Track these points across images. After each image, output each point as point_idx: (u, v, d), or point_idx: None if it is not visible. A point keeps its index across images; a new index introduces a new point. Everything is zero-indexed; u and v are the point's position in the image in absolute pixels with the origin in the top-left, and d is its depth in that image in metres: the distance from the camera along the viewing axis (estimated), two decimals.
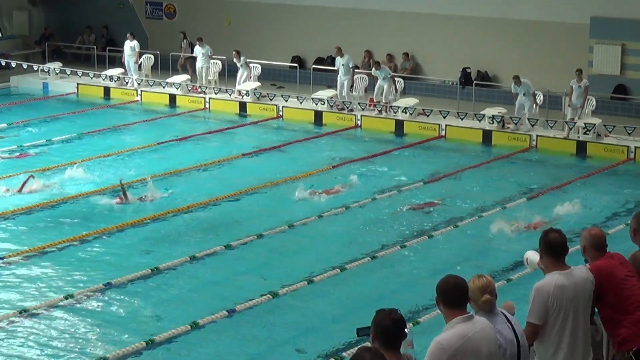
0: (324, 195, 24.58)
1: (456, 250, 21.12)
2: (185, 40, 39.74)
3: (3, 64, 38.37)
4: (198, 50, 37.55)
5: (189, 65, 38.93)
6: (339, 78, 34.39)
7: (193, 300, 18.41)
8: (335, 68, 35.13)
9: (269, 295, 17.94)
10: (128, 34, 38.48)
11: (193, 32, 40.60)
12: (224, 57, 37.35)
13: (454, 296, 8.58)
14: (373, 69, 34.14)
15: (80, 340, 16.58)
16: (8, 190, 24.51)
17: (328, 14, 38.68)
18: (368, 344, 8.20)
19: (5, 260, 19.90)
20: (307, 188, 24.81)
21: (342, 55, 34.33)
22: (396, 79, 34.36)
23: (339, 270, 19.31)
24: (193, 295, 18.74)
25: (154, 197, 24.34)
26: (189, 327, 16.59)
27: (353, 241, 21.56)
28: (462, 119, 31.79)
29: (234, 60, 36.72)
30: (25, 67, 37.61)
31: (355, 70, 34.79)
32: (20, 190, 24.30)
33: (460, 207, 24.17)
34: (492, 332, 8.70)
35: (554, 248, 9.61)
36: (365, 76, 35.17)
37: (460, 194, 25.55)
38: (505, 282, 17.94)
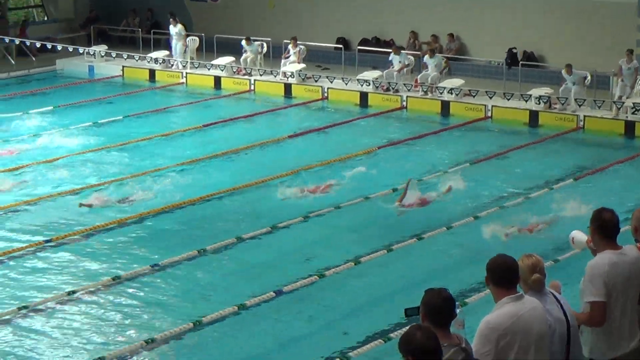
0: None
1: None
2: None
3: (49, 47, 38.56)
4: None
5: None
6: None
7: (239, 282, 18.46)
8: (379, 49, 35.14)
9: (315, 277, 18.01)
10: (171, 19, 38.68)
11: (236, 14, 40.78)
12: (269, 39, 37.41)
13: (503, 275, 8.56)
14: (426, 56, 34.21)
15: (128, 321, 16.69)
16: None
17: None
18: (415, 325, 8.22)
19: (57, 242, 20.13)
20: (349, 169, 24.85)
21: (399, 54, 34.50)
22: (441, 60, 34.33)
23: (385, 251, 19.34)
24: (239, 277, 18.82)
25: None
26: (236, 308, 16.67)
27: (398, 222, 21.53)
28: (508, 100, 31.67)
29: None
30: (70, 50, 37.80)
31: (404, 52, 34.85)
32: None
33: (505, 189, 24.07)
34: (542, 312, 8.68)
35: (607, 227, 9.57)
36: (411, 57, 35.04)
37: (506, 175, 25.49)
38: (552, 262, 17.85)
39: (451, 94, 32.72)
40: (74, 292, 17.56)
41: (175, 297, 17.73)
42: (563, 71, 31.17)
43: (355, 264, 18.65)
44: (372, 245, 19.67)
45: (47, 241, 20.09)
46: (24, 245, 19.87)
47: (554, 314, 8.91)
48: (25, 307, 16.85)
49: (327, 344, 15.58)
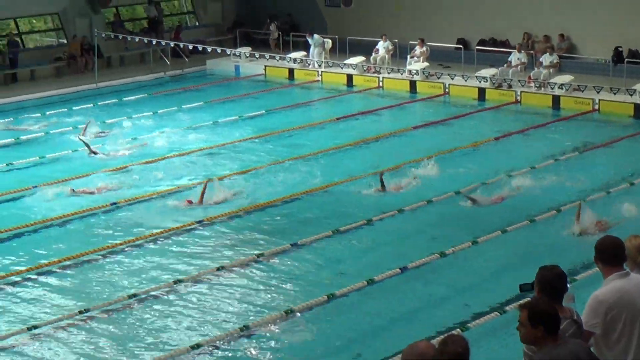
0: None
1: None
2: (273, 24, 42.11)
3: (200, 49, 39.01)
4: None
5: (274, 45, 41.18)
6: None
7: (369, 259, 18.54)
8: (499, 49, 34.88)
9: (436, 254, 18.00)
10: (307, 34, 39.04)
11: (366, 18, 40.80)
12: (396, 40, 37.41)
13: (611, 254, 8.48)
14: (546, 54, 34.00)
15: (269, 293, 16.91)
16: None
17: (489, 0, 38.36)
18: (528, 299, 8.19)
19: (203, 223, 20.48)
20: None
21: (520, 52, 34.61)
22: (553, 57, 33.98)
23: (500, 232, 19.23)
24: (369, 254, 18.89)
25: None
26: (365, 282, 16.76)
27: (517, 205, 21.33)
28: (614, 94, 31.14)
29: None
30: (219, 52, 38.19)
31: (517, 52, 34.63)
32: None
33: (611, 176, 23.70)
34: None
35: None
36: (524, 55, 34.75)
37: (613, 164, 25.14)
38: None
39: (561, 89, 32.32)
40: (222, 267, 17.87)
41: (310, 272, 17.89)
42: None
43: (472, 244, 18.60)
44: (488, 226, 19.61)
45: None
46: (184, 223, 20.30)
47: None
48: (179, 281, 17.26)
49: (449, 316, 15.59)
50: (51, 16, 42.13)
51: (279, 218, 21.07)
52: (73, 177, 23.98)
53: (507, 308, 15.12)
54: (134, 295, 16.63)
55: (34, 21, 43.42)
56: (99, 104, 33.66)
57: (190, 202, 21.67)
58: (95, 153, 26.01)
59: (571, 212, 20.02)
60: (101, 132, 28.92)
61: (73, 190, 22.72)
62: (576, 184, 22.74)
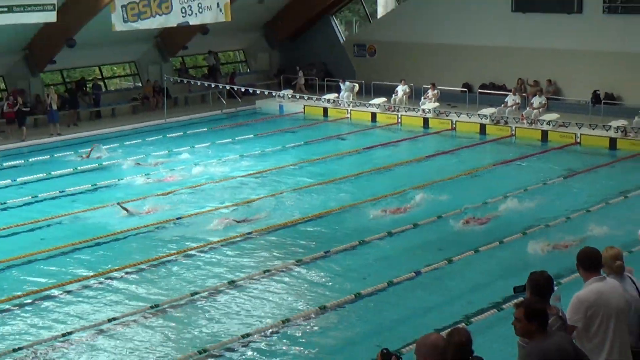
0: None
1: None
2: (300, 71, 42.72)
3: (251, 91, 39.16)
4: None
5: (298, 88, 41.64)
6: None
7: (388, 264, 18.52)
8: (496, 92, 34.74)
9: (445, 261, 17.99)
10: (340, 80, 39.28)
11: (387, 66, 40.84)
12: (412, 84, 37.45)
13: (590, 262, 8.49)
14: (536, 96, 33.98)
15: (306, 292, 16.94)
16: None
17: (489, 51, 38.18)
18: (521, 299, 8.18)
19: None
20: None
21: (515, 94, 34.60)
22: (542, 99, 33.92)
23: (498, 243, 19.15)
24: (389, 260, 18.88)
25: None
26: (385, 284, 16.77)
27: (511, 221, 21.16)
28: (593, 129, 30.93)
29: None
30: (266, 94, 38.32)
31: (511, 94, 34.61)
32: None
33: (590, 197, 23.54)
34: (621, 290, 8.58)
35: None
36: (518, 96, 34.69)
37: (591, 187, 25.01)
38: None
39: (549, 125, 32.18)
40: (268, 270, 17.93)
41: (338, 276, 17.89)
42: None
43: (475, 252, 18.56)
44: (488, 240, 19.54)
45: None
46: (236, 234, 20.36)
47: (631, 293, 8.80)
48: (232, 282, 17.26)
49: (455, 311, 15.55)
50: (129, 64, 42.49)
51: (314, 230, 21.08)
52: (140, 196, 24.24)
53: (503, 306, 15.08)
54: (195, 293, 16.71)
55: (115, 68, 43.81)
56: (167, 136, 33.81)
57: (235, 220, 21.55)
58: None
59: (557, 228, 20.00)
60: (138, 163, 28.78)
61: (125, 209, 22.61)
62: (561, 203, 22.66)
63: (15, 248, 19.85)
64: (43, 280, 17.81)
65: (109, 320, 15.42)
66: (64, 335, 14.86)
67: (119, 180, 26.36)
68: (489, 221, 21.04)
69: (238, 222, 21.42)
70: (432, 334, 7.06)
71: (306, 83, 43.02)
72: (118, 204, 22.73)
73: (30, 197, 24.57)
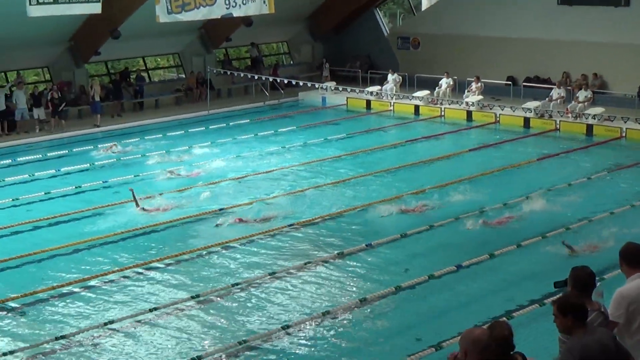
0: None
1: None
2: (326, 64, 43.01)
3: (293, 83, 39.21)
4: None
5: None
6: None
7: (430, 258, 18.47)
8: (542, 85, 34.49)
9: (486, 255, 17.89)
10: (390, 70, 39.16)
11: (431, 58, 40.68)
12: (456, 77, 37.28)
13: (634, 258, 8.40)
14: (581, 90, 33.64)
15: (347, 284, 16.93)
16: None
17: (534, 44, 37.84)
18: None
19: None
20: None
21: (560, 88, 34.29)
22: (587, 93, 33.60)
23: (540, 237, 19.01)
24: (430, 254, 18.82)
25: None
26: (426, 277, 16.70)
27: (556, 214, 21.00)
28: (639, 123, 30.60)
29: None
30: (309, 86, 38.33)
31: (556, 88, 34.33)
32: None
33: (635, 192, 23.33)
34: None
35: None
36: (563, 90, 34.37)
37: (637, 181, 24.84)
38: None
39: (594, 119, 31.89)
40: (309, 262, 17.98)
41: (380, 269, 17.87)
42: None
43: (517, 247, 18.43)
44: (533, 233, 19.40)
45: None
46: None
47: None
48: (273, 273, 17.35)
49: (497, 306, 15.46)
50: (173, 55, 42.71)
51: (355, 222, 21.07)
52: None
53: (545, 301, 14.94)
54: (236, 284, 16.79)
55: (159, 59, 44.05)
56: (210, 127, 33.98)
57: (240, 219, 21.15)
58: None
59: (601, 223, 19.83)
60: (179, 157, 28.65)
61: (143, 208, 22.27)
62: (605, 198, 22.46)
63: (59, 238, 20.06)
64: (86, 268, 17.99)
65: (150, 310, 15.54)
66: (105, 324, 15.01)
67: (159, 171, 26.49)
68: (530, 216, 20.88)
69: (276, 216, 21.43)
70: (478, 328, 7.00)
71: (350, 75, 42.99)
72: (133, 195, 22.56)
73: (73, 187, 24.83)
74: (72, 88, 36.49)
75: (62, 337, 14.52)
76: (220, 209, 22.01)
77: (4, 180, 26.02)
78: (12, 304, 16.18)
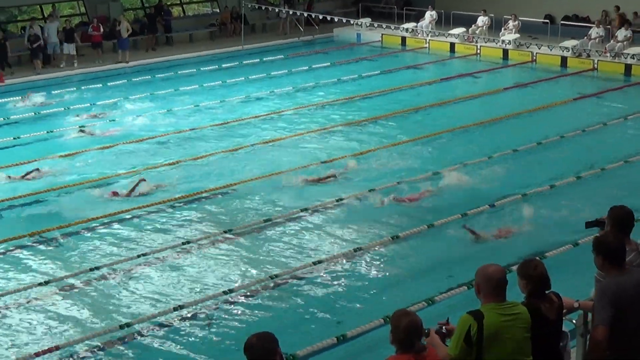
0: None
1: None
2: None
3: (328, 19, 38.88)
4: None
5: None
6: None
7: (464, 193, 18.35)
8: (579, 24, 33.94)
9: (519, 195, 17.71)
10: (429, 7, 38.66)
11: None
12: (493, 15, 36.76)
13: None
14: (621, 29, 33.09)
15: (377, 220, 16.90)
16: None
17: None
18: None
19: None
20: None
21: (599, 27, 33.66)
22: (627, 32, 33.02)
23: (574, 178, 18.83)
24: (464, 190, 18.69)
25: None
26: (459, 215, 16.60)
27: (594, 152, 20.86)
28: None
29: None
30: (344, 22, 37.99)
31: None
32: None
33: None
34: None
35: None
36: (602, 29, 33.82)
37: None
38: None
39: (633, 58, 31.37)
40: (341, 198, 17.90)
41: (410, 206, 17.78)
42: None
43: (551, 187, 18.23)
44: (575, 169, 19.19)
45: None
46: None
47: None
48: (305, 209, 17.30)
49: (527, 244, 15.36)
50: None
51: (392, 156, 20.91)
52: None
53: (579, 241, 14.79)
54: (268, 220, 16.82)
55: None
56: (244, 62, 33.86)
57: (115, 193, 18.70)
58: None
59: (637, 164, 19.63)
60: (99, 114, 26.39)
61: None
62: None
63: (92, 171, 20.26)
64: (116, 205, 18.00)
65: (183, 244, 15.63)
66: (139, 256, 15.13)
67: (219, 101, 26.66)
68: (565, 155, 20.70)
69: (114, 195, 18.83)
70: (492, 265, 6.98)
71: (385, 12, 42.59)
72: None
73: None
74: (108, 22, 36.31)
75: (96, 268, 14.65)
76: (252, 145, 22.00)
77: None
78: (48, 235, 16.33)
